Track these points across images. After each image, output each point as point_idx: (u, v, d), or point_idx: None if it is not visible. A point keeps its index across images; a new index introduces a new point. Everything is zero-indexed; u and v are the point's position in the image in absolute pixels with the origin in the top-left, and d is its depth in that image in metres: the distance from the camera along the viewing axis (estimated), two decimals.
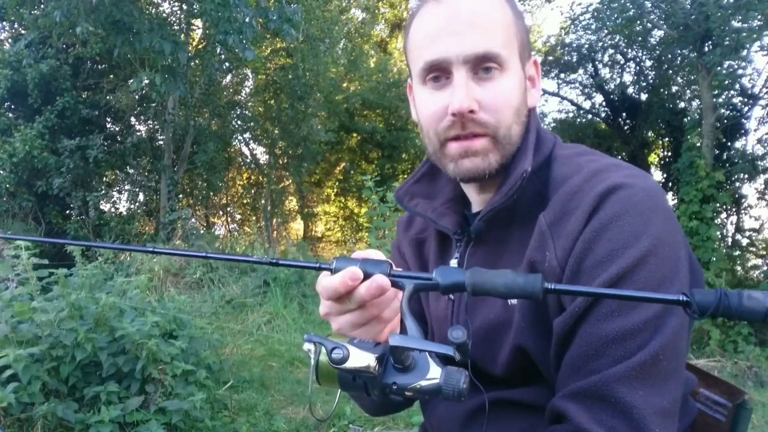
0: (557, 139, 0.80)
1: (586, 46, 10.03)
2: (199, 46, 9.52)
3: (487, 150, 0.73)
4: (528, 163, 0.72)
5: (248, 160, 13.25)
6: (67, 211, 8.79)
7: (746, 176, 8.11)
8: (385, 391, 0.54)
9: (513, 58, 0.72)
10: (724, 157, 8.03)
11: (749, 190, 10.44)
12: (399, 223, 1.00)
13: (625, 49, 10.02)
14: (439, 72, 0.73)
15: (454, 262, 0.82)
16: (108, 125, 9.80)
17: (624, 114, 10.67)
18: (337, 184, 14.50)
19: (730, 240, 8.53)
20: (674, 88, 10.08)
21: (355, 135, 13.29)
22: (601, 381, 0.60)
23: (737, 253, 8.25)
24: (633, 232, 0.62)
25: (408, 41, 0.77)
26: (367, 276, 0.58)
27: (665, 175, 10.26)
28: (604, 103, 11.01)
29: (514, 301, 0.73)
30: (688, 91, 9.67)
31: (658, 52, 9.42)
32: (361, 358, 0.52)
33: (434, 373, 0.51)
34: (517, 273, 0.53)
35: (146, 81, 7.02)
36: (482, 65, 0.70)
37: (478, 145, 0.72)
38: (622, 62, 10.45)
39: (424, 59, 0.72)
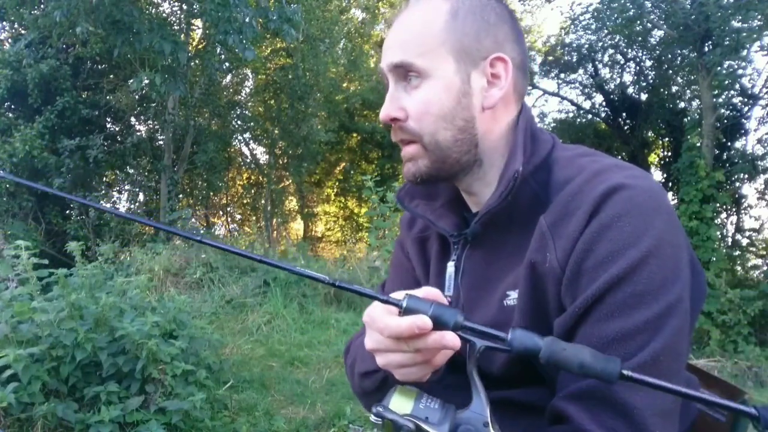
0: (556, 140, 0.79)
1: (586, 46, 10.04)
2: (199, 46, 9.52)
3: (417, 156, 0.77)
4: (519, 163, 0.71)
5: (248, 160, 13.26)
6: (67, 211, 8.78)
7: (746, 176, 8.12)
8: None
9: (439, 65, 0.73)
10: (724, 157, 8.03)
11: (749, 190, 10.46)
12: (402, 221, 1.00)
13: (625, 49, 10.03)
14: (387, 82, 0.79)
15: (451, 265, 0.82)
16: (108, 125, 9.80)
17: (624, 114, 10.67)
18: (337, 184, 14.51)
19: (730, 240, 8.53)
20: (674, 88, 10.09)
21: (355, 135, 13.29)
22: (601, 382, 0.59)
23: (737, 253, 8.26)
24: (634, 233, 0.62)
25: None
26: (437, 325, 0.55)
27: (665, 175, 10.27)
28: (604, 103, 11.02)
29: (511, 302, 0.73)
30: (688, 91, 9.68)
31: (658, 52, 9.43)
32: None
33: None
34: (597, 353, 0.52)
35: (146, 81, 7.02)
36: (407, 75, 0.75)
37: (411, 150, 0.77)
38: (622, 62, 10.46)
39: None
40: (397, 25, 0.77)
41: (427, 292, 0.61)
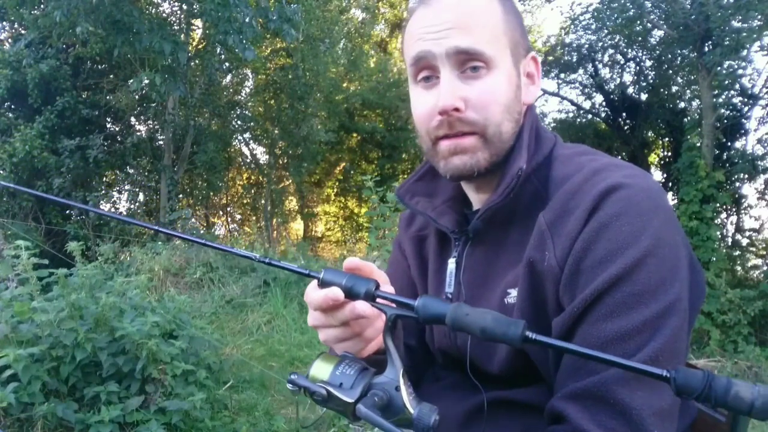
0: (558, 139, 0.79)
1: (586, 46, 10.03)
2: (199, 46, 9.52)
3: (476, 148, 0.73)
4: (523, 161, 0.71)
5: (248, 160, 13.25)
6: (67, 211, 8.78)
7: (746, 176, 8.11)
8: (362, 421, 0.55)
9: (502, 56, 0.72)
10: (724, 157, 8.02)
11: (749, 190, 10.44)
12: (401, 219, 1.00)
13: (625, 49, 10.02)
14: (428, 70, 0.74)
15: (452, 261, 0.82)
16: (108, 125, 9.80)
17: (624, 114, 10.66)
18: (337, 184, 14.50)
19: (730, 240, 8.53)
20: (674, 88, 10.08)
21: (355, 135, 13.29)
22: (600, 382, 0.59)
23: (737, 253, 8.25)
24: (632, 233, 0.62)
25: (402, 44, 0.79)
26: (351, 295, 0.58)
27: (665, 175, 10.26)
28: (604, 103, 11.01)
29: (511, 300, 0.73)
30: (688, 91, 9.67)
31: (658, 52, 9.42)
32: (339, 401, 0.54)
33: (409, 411, 0.53)
34: (500, 317, 0.52)
35: (146, 81, 7.03)
36: (467, 63, 0.71)
37: (466, 142, 0.73)
38: (622, 62, 10.45)
39: (411, 54, 0.74)
40: (445, 7, 0.72)
41: (348, 262, 0.63)
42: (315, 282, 0.62)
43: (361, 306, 0.59)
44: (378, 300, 0.58)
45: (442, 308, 0.53)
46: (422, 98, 0.75)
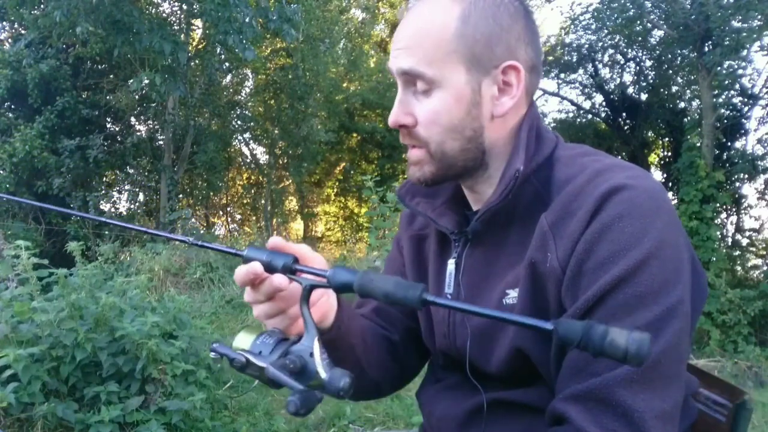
0: (559, 140, 0.79)
1: (586, 46, 10.03)
2: (199, 46, 9.52)
3: (423, 161, 0.76)
4: (520, 163, 0.71)
5: (248, 160, 13.26)
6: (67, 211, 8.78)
7: (746, 176, 8.11)
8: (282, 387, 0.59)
9: (449, 75, 0.71)
10: (724, 157, 8.02)
11: (749, 190, 10.45)
12: (402, 217, 1.00)
13: (625, 49, 10.02)
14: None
15: (452, 262, 0.82)
16: (108, 125, 9.80)
17: (624, 114, 10.66)
18: (337, 184, 14.50)
19: (730, 240, 8.53)
20: (674, 88, 10.08)
21: (355, 135, 13.29)
22: (602, 384, 0.59)
23: (737, 253, 8.25)
24: (635, 234, 0.62)
25: None
26: (270, 269, 0.63)
27: (665, 175, 10.26)
28: (604, 103, 11.01)
29: (510, 301, 0.72)
30: (688, 91, 9.67)
31: (658, 52, 9.42)
32: (255, 367, 0.59)
33: (321, 375, 0.57)
34: (402, 281, 0.55)
35: (146, 81, 7.03)
36: (413, 83, 0.73)
37: (414, 155, 0.77)
38: (622, 62, 10.45)
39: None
40: (405, 25, 0.74)
41: (271, 241, 0.67)
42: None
43: (279, 279, 0.62)
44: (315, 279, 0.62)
45: (351, 276, 0.57)
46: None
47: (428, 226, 0.91)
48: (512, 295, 0.72)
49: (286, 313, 0.70)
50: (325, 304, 0.75)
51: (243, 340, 0.61)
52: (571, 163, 0.73)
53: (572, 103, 11.43)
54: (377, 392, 0.94)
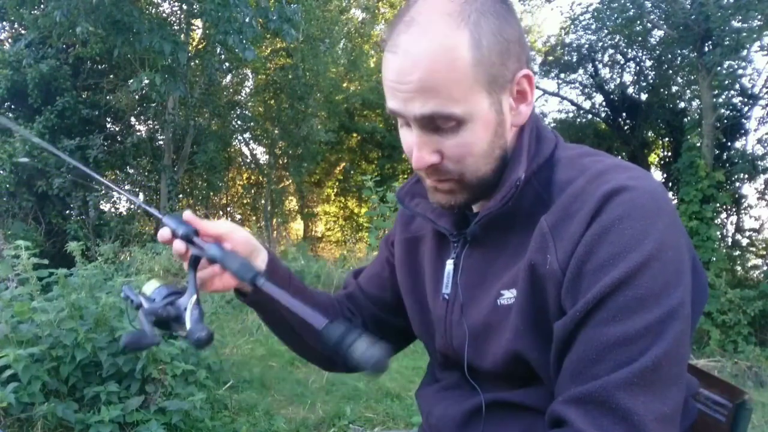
0: (559, 140, 0.78)
1: (586, 46, 10.04)
2: (199, 46, 9.52)
3: (455, 191, 0.74)
4: (522, 170, 0.71)
5: (248, 160, 13.26)
6: (67, 211, 8.78)
7: (746, 176, 8.12)
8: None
9: (474, 105, 0.68)
10: (724, 157, 8.03)
11: (749, 190, 10.46)
12: (399, 217, 0.99)
13: (625, 49, 10.03)
14: (402, 120, 0.73)
15: (450, 263, 0.82)
16: (108, 125, 9.80)
17: (624, 114, 10.67)
18: (337, 184, 14.51)
19: (730, 240, 8.53)
20: (674, 88, 10.09)
21: (355, 135, 13.29)
22: (601, 387, 0.59)
23: (737, 253, 8.26)
24: (635, 236, 0.62)
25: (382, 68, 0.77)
26: (174, 236, 0.77)
27: (665, 175, 10.27)
28: (604, 103, 11.02)
29: (505, 302, 0.72)
30: (688, 91, 9.68)
31: (658, 52, 9.43)
32: (141, 308, 0.73)
33: (186, 325, 0.71)
34: (246, 262, 0.74)
35: (146, 81, 7.03)
36: (436, 123, 0.69)
37: (445, 187, 0.74)
38: (622, 62, 10.46)
39: (388, 106, 0.73)
40: (410, 64, 0.66)
41: (185, 214, 0.79)
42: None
43: (177, 245, 0.76)
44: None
45: (217, 252, 0.74)
46: (404, 133, 0.75)
47: (424, 227, 0.91)
48: (507, 296, 0.72)
49: (209, 284, 0.83)
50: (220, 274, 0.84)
51: (148, 288, 0.76)
52: (571, 165, 0.72)
53: (572, 103, 11.45)
54: (329, 365, 1.00)
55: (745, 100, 8.07)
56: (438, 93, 0.66)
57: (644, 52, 9.89)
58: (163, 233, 0.78)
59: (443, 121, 0.68)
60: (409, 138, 0.73)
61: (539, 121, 0.78)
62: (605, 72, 10.77)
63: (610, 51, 10.28)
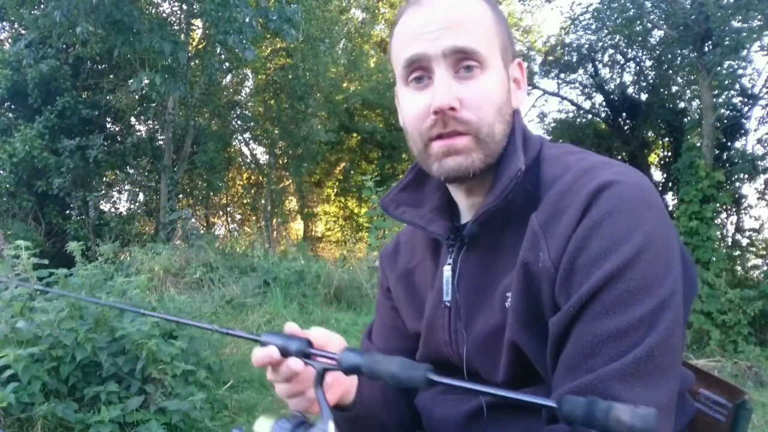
0: (543, 139, 0.80)
1: (586, 46, 10.03)
2: (199, 46, 9.52)
3: (470, 149, 0.72)
4: (521, 162, 0.71)
5: (248, 160, 13.26)
6: (67, 211, 8.78)
7: (746, 176, 8.11)
8: None
9: (494, 58, 0.73)
10: (724, 157, 8.02)
11: (749, 190, 10.47)
12: (383, 258, 0.97)
13: (625, 49, 10.03)
14: (421, 71, 0.73)
15: (447, 269, 0.81)
16: (108, 125, 9.80)
17: (624, 114, 10.67)
18: (337, 184, 14.51)
19: (730, 240, 8.53)
20: (674, 88, 10.08)
21: (355, 135, 13.29)
22: (596, 379, 0.60)
23: (737, 253, 8.25)
24: (625, 229, 0.62)
25: (391, 46, 0.78)
26: (285, 353, 0.65)
27: (665, 175, 10.27)
28: (604, 103, 11.02)
29: (510, 304, 0.72)
30: (688, 91, 9.68)
31: (658, 52, 9.43)
32: None
33: None
34: (405, 362, 0.55)
35: (146, 81, 7.03)
36: (462, 63, 0.71)
37: (460, 143, 0.72)
38: (622, 62, 10.46)
39: (405, 57, 0.73)
40: (438, 6, 0.72)
41: (287, 327, 0.69)
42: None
43: (294, 362, 0.64)
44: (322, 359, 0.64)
45: (359, 359, 0.59)
46: (415, 99, 0.74)
47: (414, 256, 0.90)
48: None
49: (305, 395, 0.72)
50: (346, 381, 0.77)
51: (262, 425, 0.64)
52: (557, 162, 0.73)
53: (572, 103, 11.44)
54: None
55: (745, 100, 8.07)
56: (467, 30, 0.71)
57: (644, 52, 9.89)
58: (269, 353, 0.64)
59: (469, 58, 0.71)
60: (416, 99, 0.74)
61: (524, 123, 0.80)
62: (605, 72, 10.77)
63: (610, 51, 10.28)
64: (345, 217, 14.57)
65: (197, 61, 9.18)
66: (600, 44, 9.92)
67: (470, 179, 0.74)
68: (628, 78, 10.69)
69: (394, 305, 0.95)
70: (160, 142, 9.76)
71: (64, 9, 6.40)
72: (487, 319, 0.76)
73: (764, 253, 8.37)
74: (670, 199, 9.57)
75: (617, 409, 0.43)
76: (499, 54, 0.74)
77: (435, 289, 0.84)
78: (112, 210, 9.76)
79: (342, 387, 0.77)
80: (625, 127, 10.72)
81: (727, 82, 7.17)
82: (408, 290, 0.91)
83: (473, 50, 0.70)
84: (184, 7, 8.59)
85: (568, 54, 10.46)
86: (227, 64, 10.07)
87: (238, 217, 13.86)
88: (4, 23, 9.07)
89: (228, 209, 13.51)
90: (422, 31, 0.71)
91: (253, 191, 13.38)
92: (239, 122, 11.66)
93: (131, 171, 10.25)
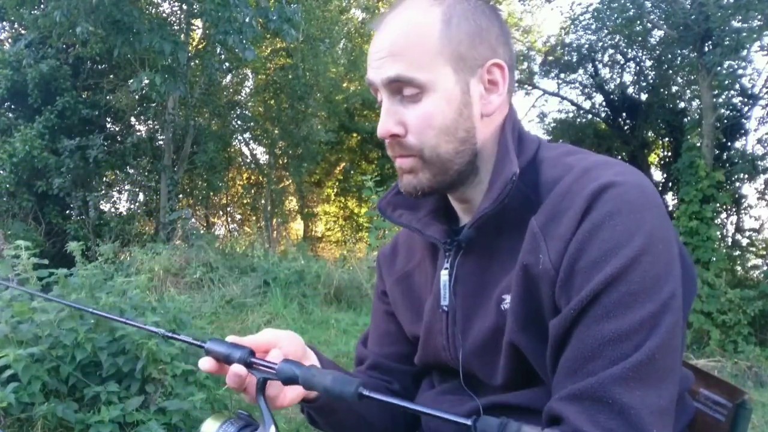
0: (541, 140, 0.79)
1: (586, 46, 10.04)
2: (199, 46, 9.52)
3: (417, 169, 0.75)
4: (515, 166, 0.70)
5: (248, 160, 13.26)
6: (67, 211, 8.78)
7: (746, 176, 8.12)
8: None
9: (438, 77, 0.71)
10: (724, 157, 8.03)
11: (749, 190, 10.48)
12: (381, 260, 0.97)
13: (625, 49, 10.03)
14: (378, 95, 0.76)
15: (444, 273, 0.81)
16: (108, 125, 9.80)
17: (624, 114, 10.67)
18: (337, 184, 14.50)
19: (730, 240, 8.53)
20: (674, 88, 10.09)
21: (355, 135, 13.29)
22: (597, 382, 0.59)
23: (737, 253, 8.26)
24: (626, 231, 0.62)
25: None
26: (229, 362, 0.68)
27: (665, 175, 10.28)
28: (604, 103, 11.02)
29: (507, 306, 0.72)
30: (688, 91, 9.68)
31: (658, 52, 9.44)
32: None
33: None
34: (338, 376, 0.60)
35: (146, 81, 7.03)
36: (402, 90, 0.72)
37: (407, 164, 0.75)
38: (622, 62, 10.46)
39: (366, 78, 0.77)
40: (385, 33, 0.73)
41: (229, 337, 0.71)
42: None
43: (237, 369, 0.67)
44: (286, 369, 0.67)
45: (296, 371, 0.63)
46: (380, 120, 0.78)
47: (412, 258, 0.90)
48: (508, 300, 0.72)
49: (249, 394, 0.74)
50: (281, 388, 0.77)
51: (209, 427, 0.68)
52: (556, 164, 0.73)
53: (572, 103, 11.45)
54: None
55: (745, 100, 8.07)
56: (404, 58, 0.71)
57: (644, 52, 9.90)
58: (209, 362, 0.69)
59: (407, 87, 0.72)
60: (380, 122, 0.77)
61: (520, 124, 0.79)
62: (605, 72, 10.78)
63: (610, 51, 10.29)
64: (345, 217, 14.57)
65: (197, 61, 9.18)
66: (600, 44, 9.93)
67: (421, 196, 0.77)
68: (628, 78, 10.71)
69: (388, 310, 0.95)
70: (160, 142, 9.76)
71: (64, 9, 6.40)
72: (483, 323, 0.75)
73: (764, 253, 8.37)
74: (670, 199, 9.57)
75: (524, 430, 0.46)
76: (449, 68, 0.72)
77: (433, 293, 0.83)
78: (112, 210, 9.77)
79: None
80: (625, 127, 10.72)
81: (727, 82, 7.17)
82: (406, 293, 0.90)
83: (409, 78, 0.71)
84: (184, 7, 8.58)
85: (568, 54, 10.47)
86: (227, 64, 10.07)
87: (238, 217, 13.86)
88: (4, 23, 9.07)
89: (228, 209, 13.51)
90: (372, 59, 0.75)
91: (253, 191, 13.38)
92: (239, 122, 11.66)
93: (131, 171, 10.24)
